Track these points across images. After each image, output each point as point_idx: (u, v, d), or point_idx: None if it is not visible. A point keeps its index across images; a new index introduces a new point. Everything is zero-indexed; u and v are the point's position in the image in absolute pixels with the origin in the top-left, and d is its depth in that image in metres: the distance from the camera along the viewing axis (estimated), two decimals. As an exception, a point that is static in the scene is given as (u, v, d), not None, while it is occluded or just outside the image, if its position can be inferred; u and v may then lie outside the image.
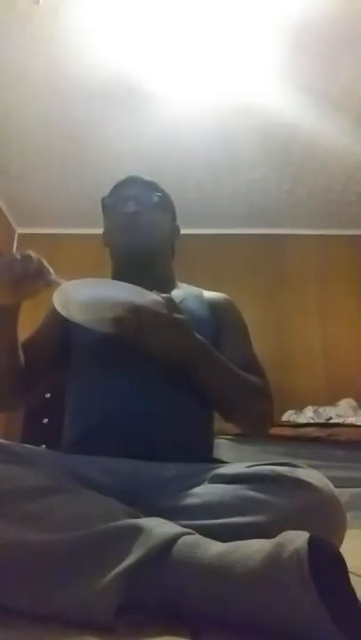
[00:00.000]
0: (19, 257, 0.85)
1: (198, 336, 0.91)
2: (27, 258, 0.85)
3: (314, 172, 3.53)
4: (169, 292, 1.15)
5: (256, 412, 1.03)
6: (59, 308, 0.90)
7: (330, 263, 4.14)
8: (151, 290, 0.91)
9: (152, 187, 1.16)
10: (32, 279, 0.85)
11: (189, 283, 1.26)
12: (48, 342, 1.10)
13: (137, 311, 0.83)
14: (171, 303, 0.89)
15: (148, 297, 0.88)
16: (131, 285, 0.90)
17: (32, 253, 0.86)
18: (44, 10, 2.34)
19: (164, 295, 0.89)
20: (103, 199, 1.18)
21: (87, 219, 3.82)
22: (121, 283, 0.91)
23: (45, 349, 1.08)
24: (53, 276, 0.88)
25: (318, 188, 3.71)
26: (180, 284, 1.22)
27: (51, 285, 0.88)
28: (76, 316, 0.89)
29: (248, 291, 3.95)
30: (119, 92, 2.82)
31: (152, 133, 3.13)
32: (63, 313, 0.90)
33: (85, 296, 0.87)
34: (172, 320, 0.86)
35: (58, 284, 0.87)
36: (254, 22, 2.39)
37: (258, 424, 1.08)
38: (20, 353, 1.01)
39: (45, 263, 0.87)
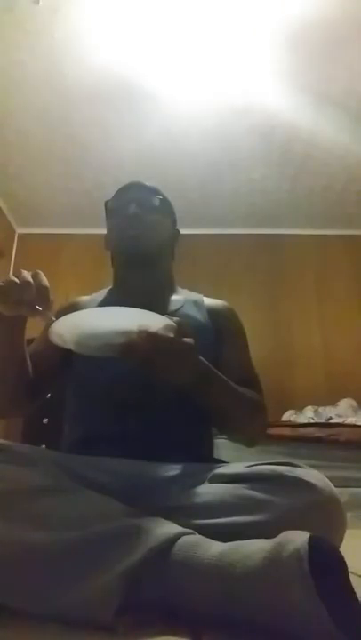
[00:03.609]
0: (18, 281, 0.80)
1: (203, 359, 0.88)
2: (25, 284, 0.80)
3: (314, 171, 3.53)
4: (168, 297, 1.15)
5: (251, 429, 1.03)
6: (59, 342, 0.82)
7: (329, 263, 4.14)
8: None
9: (153, 191, 1.18)
10: (26, 307, 0.81)
11: (190, 282, 1.25)
12: (51, 347, 1.10)
13: (150, 338, 0.78)
14: (181, 327, 0.84)
15: (160, 322, 0.83)
16: (141, 310, 0.86)
17: (33, 279, 0.81)
18: (44, 10, 2.35)
19: (175, 319, 0.85)
20: (106, 202, 1.19)
21: (87, 219, 3.82)
22: (126, 309, 0.87)
23: (50, 355, 1.06)
24: (49, 311, 0.82)
25: (318, 188, 3.71)
26: (179, 289, 1.21)
27: (42, 318, 0.82)
28: (82, 348, 0.81)
29: (248, 290, 3.95)
30: (119, 91, 2.83)
31: (152, 133, 3.14)
32: (67, 346, 0.82)
33: (92, 326, 0.82)
34: (181, 346, 0.82)
35: (49, 320, 0.82)
36: (254, 22, 2.39)
37: (252, 438, 1.08)
38: (29, 361, 1.00)
39: (47, 294, 0.82)
